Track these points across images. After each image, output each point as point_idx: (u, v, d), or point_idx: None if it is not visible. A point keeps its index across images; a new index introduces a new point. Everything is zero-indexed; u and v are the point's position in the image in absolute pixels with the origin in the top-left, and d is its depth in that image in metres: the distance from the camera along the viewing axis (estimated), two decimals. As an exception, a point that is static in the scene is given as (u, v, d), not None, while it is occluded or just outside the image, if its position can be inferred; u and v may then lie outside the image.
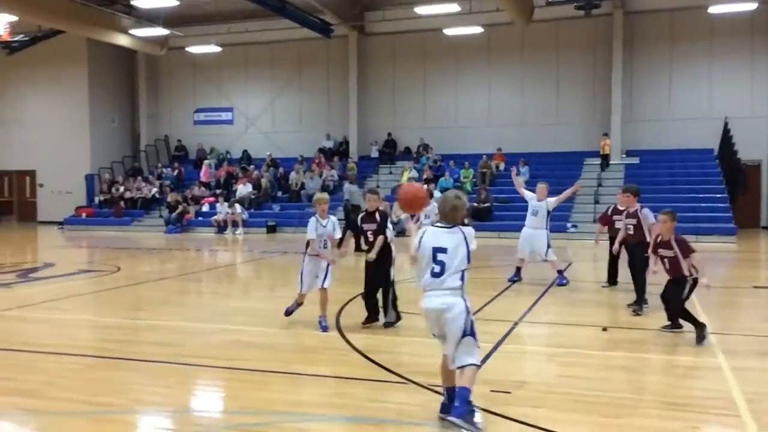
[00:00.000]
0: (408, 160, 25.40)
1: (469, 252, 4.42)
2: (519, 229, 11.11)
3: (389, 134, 26.82)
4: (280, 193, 24.90)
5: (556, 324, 7.97)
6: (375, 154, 26.52)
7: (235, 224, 22.24)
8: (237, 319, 8.21)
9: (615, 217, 9.61)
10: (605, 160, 23.50)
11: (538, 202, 10.53)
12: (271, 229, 22.44)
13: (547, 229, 10.55)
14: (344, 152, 26.88)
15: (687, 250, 6.74)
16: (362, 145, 27.19)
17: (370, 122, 27.26)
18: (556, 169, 24.09)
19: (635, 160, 23.82)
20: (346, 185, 20.79)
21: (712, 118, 23.04)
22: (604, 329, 7.40)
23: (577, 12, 21.59)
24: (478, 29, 23.49)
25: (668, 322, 7.11)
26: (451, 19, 23.45)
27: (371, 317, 7.43)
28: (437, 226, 4.55)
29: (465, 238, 4.43)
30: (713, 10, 21.32)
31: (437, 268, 4.40)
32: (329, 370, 5.96)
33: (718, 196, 20.85)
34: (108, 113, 29.32)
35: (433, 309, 4.42)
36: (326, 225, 7.34)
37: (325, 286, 7.30)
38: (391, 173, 25.32)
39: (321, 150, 26.87)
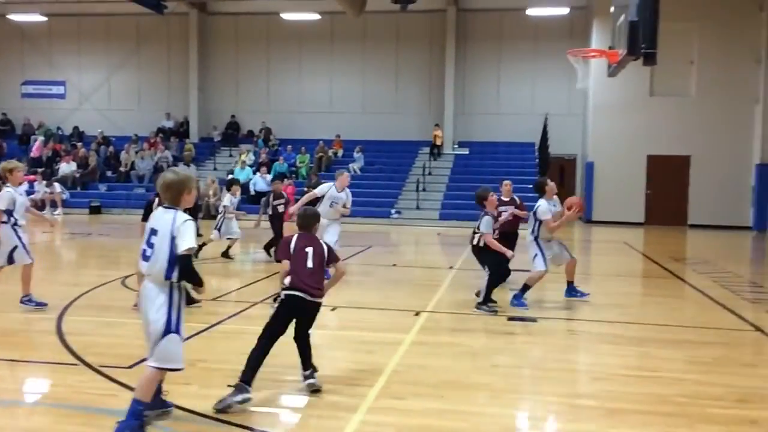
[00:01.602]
0: (250, 143, 25.27)
1: (174, 241, 4.00)
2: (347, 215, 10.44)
3: (232, 116, 26.49)
4: (109, 173, 23.94)
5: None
6: (218, 137, 26.10)
7: (54, 204, 21.15)
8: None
9: (500, 208, 9.41)
10: (437, 149, 24.54)
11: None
12: (95, 210, 21.57)
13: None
14: (185, 133, 26.26)
15: None
16: (204, 127, 26.69)
17: (213, 103, 26.80)
18: (392, 156, 24.93)
19: (465, 151, 25.05)
20: (180, 167, 20.37)
21: (534, 114, 24.62)
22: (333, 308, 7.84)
23: (415, 6, 22.30)
24: (315, 16, 23.68)
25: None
26: (289, 4, 23.47)
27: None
28: (163, 206, 4.20)
29: (174, 223, 4.02)
30: (531, 12, 22.80)
31: (149, 251, 4.07)
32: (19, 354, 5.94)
33: (529, 186, 22.33)
34: None
35: (144, 297, 4.10)
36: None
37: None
38: (231, 156, 25.05)
39: (160, 130, 26.09)
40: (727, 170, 21.35)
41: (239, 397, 4.56)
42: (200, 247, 11.79)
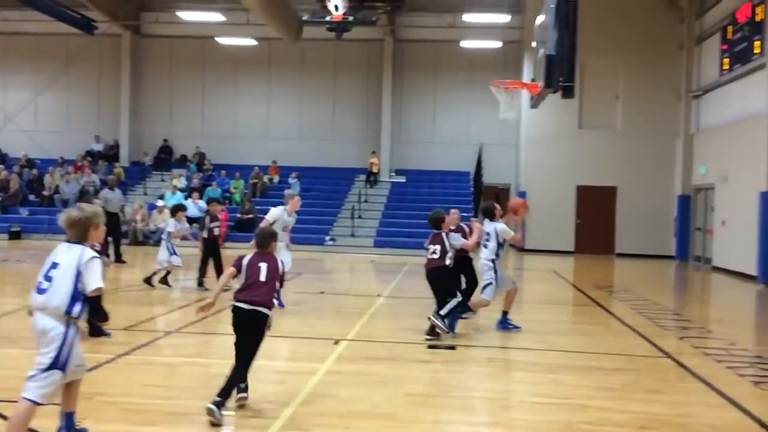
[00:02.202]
0: (183, 168, 24.78)
1: (78, 277, 3.95)
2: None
3: (165, 140, 25.97)
4: (32, 197, 23.00)
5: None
6: (150, 162, 25.47)
7: (-30, 229, 20.15)
8: None
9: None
10: (373, 177, 24.60)
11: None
12: (15, 236, 20.62)
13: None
14: (114, 156, 25.54)
15: None
16: (135, 150, 26.03)
17: (145, 127, 26.21)
18: (329, 183, 24.85)
19: (402, 179, 25.22)
20: (104, 191, 19.73)
21: (470, 144, 25.06)
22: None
23: (353, 35, 22.52)
24: (252, 42, 23.59)
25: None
26: (225, 29, 23.32)
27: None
28: (67, 241, 4.16)
29: (80, 259, 3.99)
30: (465, 44, 23.36)
31: (45, 284, 3.98)
32: None
33: (464, 214, 22.60)
34: None
35: (36, 330, 4.00)
36: None
37: None
38: (163, 180, 24.47)
39: (89, 153, 25.31)
40: (652, 201, 22.15)
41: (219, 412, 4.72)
42: (166, 275, 11.55)
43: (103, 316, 4.11)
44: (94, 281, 3.97)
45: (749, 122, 16.49)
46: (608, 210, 22.50)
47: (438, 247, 8.01)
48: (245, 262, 5.12)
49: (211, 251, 11.40)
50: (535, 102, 10.07)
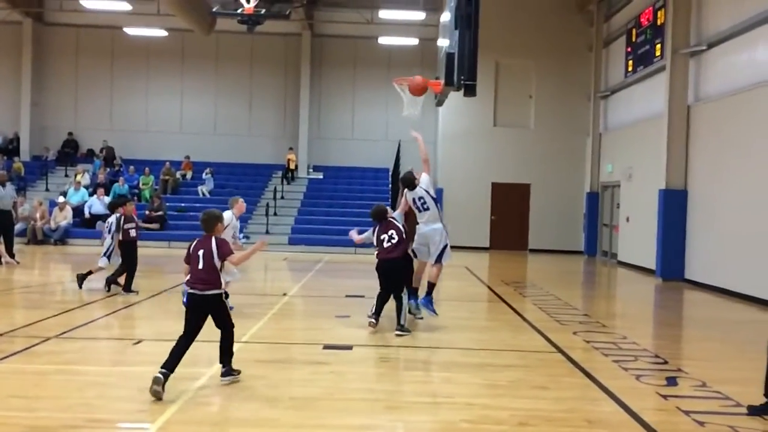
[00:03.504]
0: (90, 162, 23.70)
1: None
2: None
3: (70, 134, 24.77)
4: None
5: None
6: (53, 156, 24.21)
7: None
8: None
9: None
10: (290, 174, 24.26)
11: None
12: None
13: None
14: (14, 150, 24.15)
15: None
16: (38, 144, 24.70)
17: (48, 119, 24.92)
18: (245, 180, 24.35)
19: (320, 176, 24.99)
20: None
21: (388, 140, 25.08)
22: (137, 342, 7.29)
23: (270, 28, 22.12)
24: (162, 32, 22.80)
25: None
26: (134, 19, 22.43)
27: None
28: None
29: None
30: (383, 41, 23.36)
31: None
32: None
33: (381, 212, 22.64)
34: None
35: None
36: None
37: None
38: (67, 176, 23.29)
39: (-14, 146, 23.87)
40: (563, 198, 22.79)
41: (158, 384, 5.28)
42: (87, 274, 10.81)
43: None
44: None
45: (651, 122, 17.16)
46: (522, 207, 23.00)
47: (393, 232, 8.10)
48: (190, 251, 5.80)
49: (127, 254, 10.69)
50: (439, 99, 10.09)
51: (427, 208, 8.53)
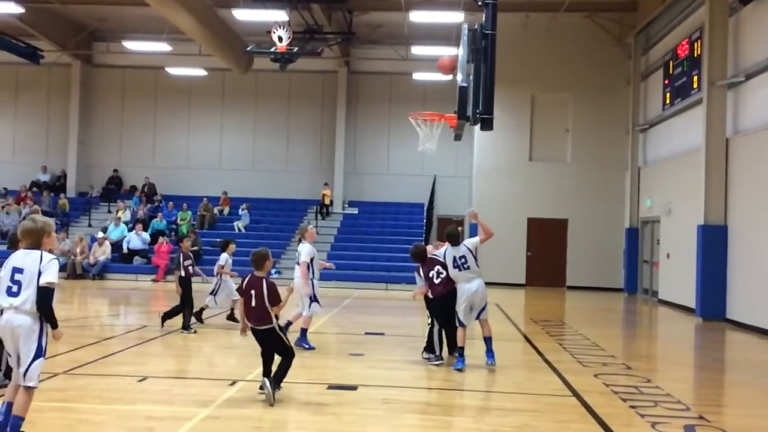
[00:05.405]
0: (132, 198, 24.33)
1: (40, 276, 4.68)
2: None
3: (115, 171, 25.54)
4: (-28, 230, 22.32)
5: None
6: (97, 193, 24.96)
7: None
8: None
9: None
10: (326, 208, 24.37)
11: None
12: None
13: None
14: (61, 187, 25.00)
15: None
16: (84, 181, 25.53)
17: (94, 157, 25.78)
18: (280, 215, 24.57)
19: (355, 211, 25.01)
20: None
21: (423, 176, 25.02)
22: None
23: (307, 66, 22.59)
24: (202, 72, 23.45)
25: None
26: (175, 59, 23.15)
27: None
28: (25, 248, 4.82)
29: (40, 261, 4.71)
30: (417, 77, 23.50)
31: (14, 288, 4.68)
32: None
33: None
34: None
35: (4, 327, 4.73)
36: None
37: None
38: (109, 212, 23.93)
39: (35, 183, 24.76)
40: (602, 234, 22.18)
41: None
42: (201, 311, 11.19)
43: (53, 321, 4.74)
44: (47, 276, 4.71)
45: (689, 155, 16.63)
46: (559, 242, 22.47)
47: (439, 267, 8.30)
48: (243, 286, 6.46)
49: (185, 291, 10.72)
50: (456, 134, 9.97)
51: (467, 268, 8.37)
